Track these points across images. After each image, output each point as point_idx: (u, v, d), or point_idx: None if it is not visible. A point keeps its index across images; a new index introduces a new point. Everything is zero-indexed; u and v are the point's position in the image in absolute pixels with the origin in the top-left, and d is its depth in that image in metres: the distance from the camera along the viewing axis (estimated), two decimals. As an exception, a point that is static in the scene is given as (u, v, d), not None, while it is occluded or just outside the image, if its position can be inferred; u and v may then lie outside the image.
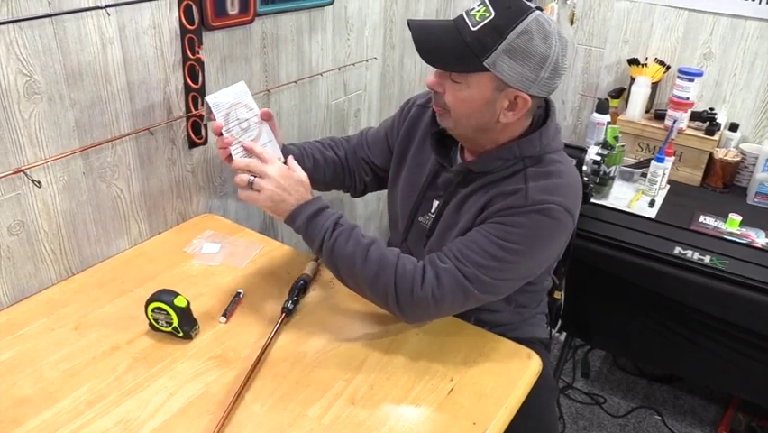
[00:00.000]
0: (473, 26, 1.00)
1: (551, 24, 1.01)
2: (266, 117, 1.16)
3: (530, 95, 1.03)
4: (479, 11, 1.01)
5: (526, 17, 0.98)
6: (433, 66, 1.05)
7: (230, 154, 1.11)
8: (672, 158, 1.94)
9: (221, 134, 1.11)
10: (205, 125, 1.46)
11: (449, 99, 1.07)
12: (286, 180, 1.07)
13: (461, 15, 1.03)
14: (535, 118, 1.13)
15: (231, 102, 1.12)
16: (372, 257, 1.05)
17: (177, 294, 1.08)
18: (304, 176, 1.11)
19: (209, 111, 1.12)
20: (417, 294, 1.03)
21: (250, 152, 1.10)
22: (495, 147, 1.12)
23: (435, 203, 1.21)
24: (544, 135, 1.10)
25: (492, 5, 1.00)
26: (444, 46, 1.02)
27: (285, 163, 1.12)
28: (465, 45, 1.00)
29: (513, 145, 1.09)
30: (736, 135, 2.02)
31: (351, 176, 1.40)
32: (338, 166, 1.38)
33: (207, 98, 1.11)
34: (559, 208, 1.05)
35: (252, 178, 1.07)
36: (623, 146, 1.84)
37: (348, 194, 1.46)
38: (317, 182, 1.12)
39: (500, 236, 1.04)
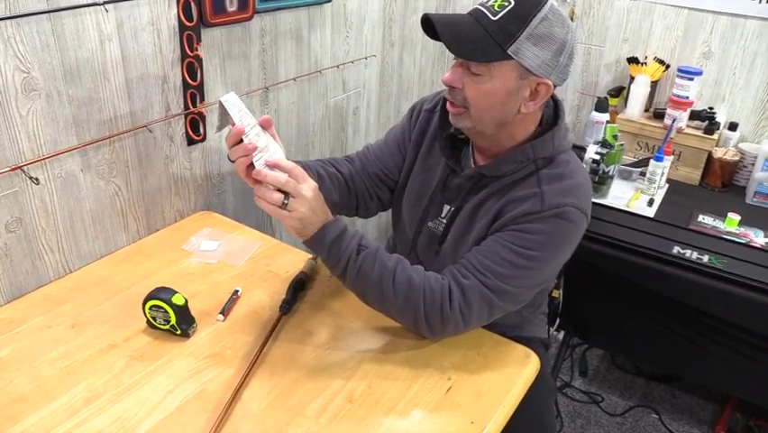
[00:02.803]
0: (494, 16, 1.00)
1: (564, 12, 1.02)
2: (266, 125, 1.01)
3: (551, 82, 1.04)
4: (497, 1, 1.01)
5: (545, 4, 1.00)
6: (461, 56, 1.03)
7: (250, 163, 0.96)
8: (671, 157, 1.93)
9: (240, 141, 0.96)
10: (205, 123, 1.45)
11: (470, 94, 1.04)
12: (317, 202, 0.99)
13: (478, 8, 1.03)
14: (545, 118, 1.13)
15: (239, 106, 0.97)
16: (399, 282, 1.02)
17: (174, 292, 1.08)
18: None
19: (224, 114, 0.96)
20: (447, 315, 1.02)
21: (273, 167, 0.96)
22: (509, 148, 1.11)
23: (446, 208, 1.20)
24: (557, 136, 1.10)
25: None
26: (470, 37, 1.01)
27: None
28: (488, 35, 1.00)
29: (527, 147, 1.09)
30: (736, 135, 2.02)
31: (359, 195, 1.31)
32: (343, 183, 1.28)
33: (222, 99, 0.95)
34: (575, 210, 1.05)
35: (285, 197, 0.96)
36: (622, 145, 1.83)
37: (356, 216, 1.37)
38: None
39: (520, 244, 1.04)
